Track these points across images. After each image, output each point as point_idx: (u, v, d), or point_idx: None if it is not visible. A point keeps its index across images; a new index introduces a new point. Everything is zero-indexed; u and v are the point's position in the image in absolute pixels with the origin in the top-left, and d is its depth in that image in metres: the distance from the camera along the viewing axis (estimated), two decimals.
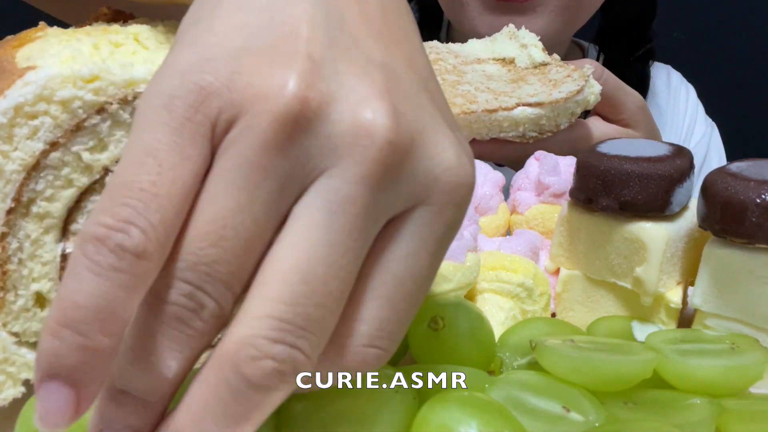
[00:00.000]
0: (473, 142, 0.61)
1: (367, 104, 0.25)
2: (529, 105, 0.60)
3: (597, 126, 0.68)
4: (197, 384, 0.24)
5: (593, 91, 0.64)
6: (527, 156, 0.57)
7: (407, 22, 0.31)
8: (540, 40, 0.71)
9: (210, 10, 0.27)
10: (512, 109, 0.60)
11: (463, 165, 0.27)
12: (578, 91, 0.62)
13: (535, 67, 0.67)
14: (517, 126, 0.61)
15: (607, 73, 0.67)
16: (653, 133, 0.73)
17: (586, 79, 0.63)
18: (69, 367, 0.23)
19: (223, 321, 0.25)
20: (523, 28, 0.71)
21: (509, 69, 0.67)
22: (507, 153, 0.63)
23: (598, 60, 1.03)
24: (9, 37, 0.41)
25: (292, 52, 0.25)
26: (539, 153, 0.55)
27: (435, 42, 0.71)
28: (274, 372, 0.23)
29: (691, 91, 1.09)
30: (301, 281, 0.24)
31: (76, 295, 0.23)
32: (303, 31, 0.26)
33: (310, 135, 0.24)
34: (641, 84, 1.02)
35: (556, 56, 0.69)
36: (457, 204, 0.27)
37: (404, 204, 0.26)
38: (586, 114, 0.68)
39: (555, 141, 0.63)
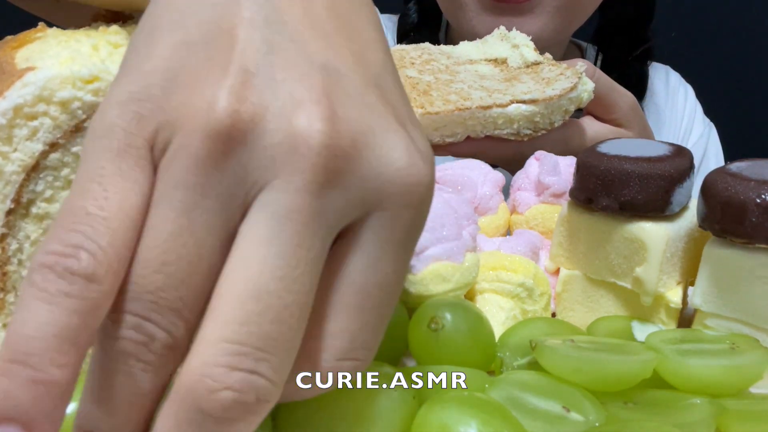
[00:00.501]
0: (468, 139, 0.61)
1: (302, 110, 0.24)
2: (523, 102, 0.60)
3: (590, 125, 0.69)
4: (160, 422, 0.23)
5: (586, 89, 0.64)
6: (522, 154, 0.57)
7: (361, 16, 0.30)
8: (538, 40, 0.71)
9: (148, 34, 0.26)
10: (506, 106, 0.60)
11: (415, 164, 0.26)
12: (572, 88, 0.62)
13: (528, 66, 0.67)
14: (511, 123, 0.61)
15: (599, 73, 0.67)
16: (646, 133, 0.73)
17: (579, 76, 0.63)
18: (20, 406, 0.21)
19: (179, 352, 0.24)
20: (514, 29, 0.71)
21: (501, 69, 0.67)
22: (502, 151, 0.63)
23: (596, 59, 1.03)
24: (8, 38, 0.41)
25: (225, 64, 0.25)
26: (539, 153, 0.55)
27: (427, 44, 0.71)
28: (235, 404, 0.22)
29: (689, 91, 1.09)
30: (253, 298, 0.23)
31: (25, 327, 0.22)
32: (239, 41, 0.25)
33: (246, 149, 0.24)
34: (639, 84, 1.02)
35: (548, 55, 0.69)
36: (414, 206, 0.26)
37: (358, 210, 0.25)
38: (578, 113, 0.69)
39: (549, 139, 0.63)
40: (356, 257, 0.26)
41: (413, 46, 0.71)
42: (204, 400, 0.22)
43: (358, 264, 0.25)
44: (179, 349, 0.23)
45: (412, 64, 0.65)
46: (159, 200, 0.24)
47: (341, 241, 0.26)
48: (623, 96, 0.70)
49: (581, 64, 0.65)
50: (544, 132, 0.62)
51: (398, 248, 0.26)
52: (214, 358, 0.22)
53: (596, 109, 0.69)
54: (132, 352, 0.23)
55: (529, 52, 0.68)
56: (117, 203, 0.23)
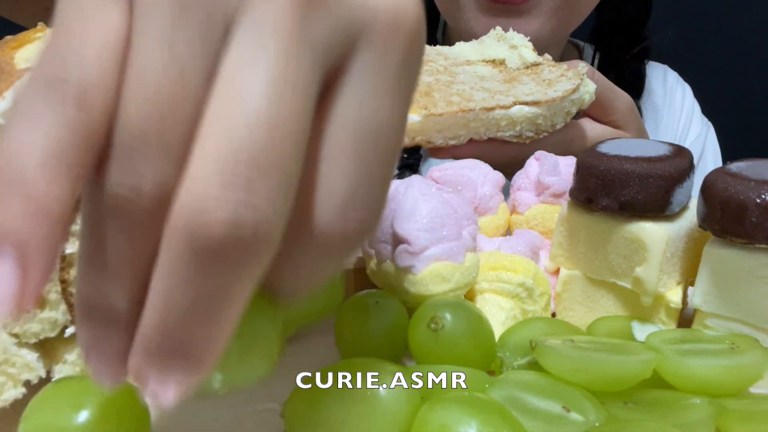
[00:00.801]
0: (471, 142, 0.61)
1: None
2: (526, 104, 0.59)
3: (590, 126, 0.68)
4: (156, 276, 0.22)
5: (588, 90, 0.63)
6: (523, 157, 0.57)
7: None
8: (536, 41, 0.70)
9: None
10: (509, 107, 0.59)
11: None
12: (574, 90, 0.61)
13: (527, 67, 0.67)
14: (514, 125, 0.60)
15: (599, 75, 0.67)
16: (642, 135, 0.73)
17: (581, 77, 0.63)
18: (11, 227, 0.20)
19: (169, 205, 0.22)
20: (510, 29, 0.71)
21: (500, 70, 0.66)
22: (504, 153, 0.62)
23: (593, 59, 1.03)
24: (8, 38, 0.41)
25: None
26: (539, 153, 0.55)
27: None
28: (231, 237, 0.21)
29: (687, 91, 1.09)
30: (242, 123, 0.21)
31: (11, 145, 0.20)
32: None
33: None
34: (637, 83, 1.02)
35: (548, 56, 0.69)
36: (403, 40, 0.25)
37: (344, 40, 0.24)
38: (576, 115, 0.68)
39: (550, 141, 0.63)
40: (347, 97, 0.24)
41: None
42: (196, 237, 0.21)
43: (351, 103, 0.24)
44: (169, 201, 0.22)
45: None
46: (136, 32, 0.22)
47: (332, 85, 0.25)
48: (621, 98, 0.70)
49: (582, 65, 0.64)
50: (545, 134, 0.62)
51: (392, 83, 0.25)
52: (203, 190, 0.21)
53: (594, 111, 0.69)
54: (118, 208, 0.22)
55: (528, 52, 0.67)
56: (102, 36, 0.22)
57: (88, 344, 0.24)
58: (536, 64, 0.67)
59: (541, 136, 0.62)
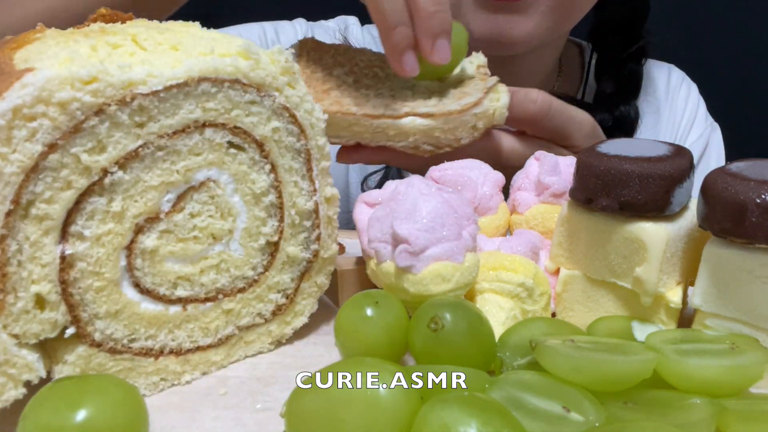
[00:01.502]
0: (358, 146, 0.59)
1: None
2: (419, 115, 0.57)
3: (507, 139, 0.65)
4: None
5: (497, 105, 0.60)
6: (422, 167, 0.55)
7: None
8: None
9: None
10: (399, 117, 0.57)
11: None
12: (475, 104, 0.58)
13: (462, 81, 0.63)
14: (406, 136, 0.58)
15: (557, 106, 0.64)
16: None
17: (485, 91, 0.60)
18: None
19: None
20: (481, 53, 0.68)
21: (440, 84, 0.63)
22: (399, 164, 0.59)
23: (591, 58, 1.03)
24: (7, 38, 0.41)
25: None
26: (539, 153, 0.55)
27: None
28: None
29: (693, 90, 1.08)
30: None
31: None
32: None
33: None
34: (634, 83, 1.01)
35: (485, 71, 0.65)
36: None
37: None
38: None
39: (459, 154, 0.59)
40: None
41: (379, 55, 0.66)
42: None
43: None
44: None
45: (353, 66, 0.63)
46: None
47: None
48: (579, 124, 0.66)
49: (492, 79, 0.62)
50: (448, 149, 0.59)
51: None
52: None
53: (553, 138, 0.67)
54: None
55: (471, 67, 0.65)
56: None
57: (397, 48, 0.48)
58: (471, 78, 0.63)
59: (443, 151, 0.59)
